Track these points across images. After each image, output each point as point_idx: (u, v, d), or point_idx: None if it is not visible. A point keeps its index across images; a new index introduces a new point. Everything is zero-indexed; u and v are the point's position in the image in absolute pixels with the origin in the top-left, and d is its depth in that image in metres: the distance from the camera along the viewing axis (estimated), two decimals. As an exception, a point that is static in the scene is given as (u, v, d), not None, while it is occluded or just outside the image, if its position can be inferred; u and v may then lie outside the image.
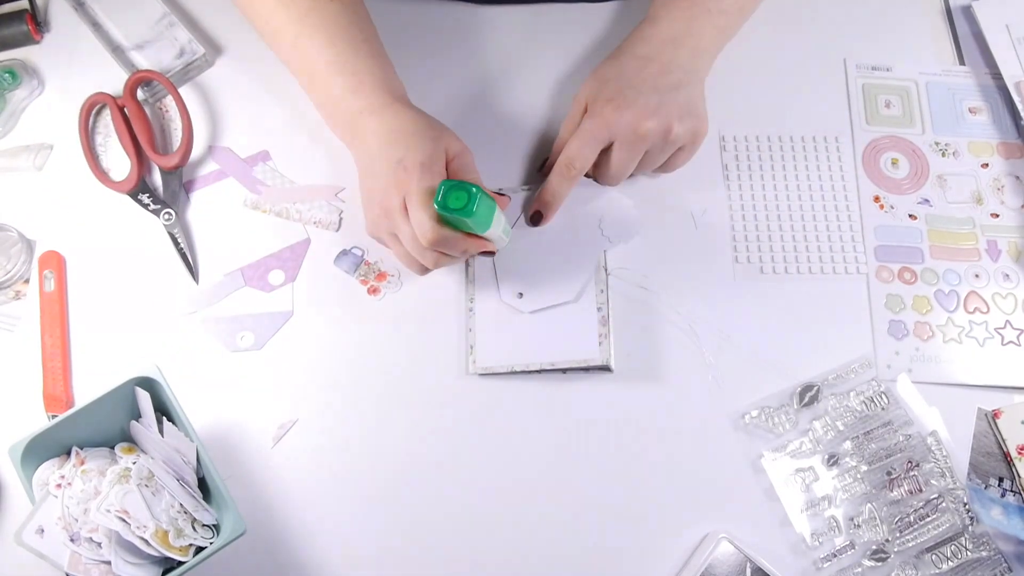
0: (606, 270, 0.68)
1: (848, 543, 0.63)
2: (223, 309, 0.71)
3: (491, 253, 0.68)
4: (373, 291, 0.71)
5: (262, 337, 0.70)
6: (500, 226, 0.64)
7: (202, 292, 0.72)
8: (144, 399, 0.62)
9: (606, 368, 0.67)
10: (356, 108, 0.66)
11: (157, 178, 0.75)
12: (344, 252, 0.73)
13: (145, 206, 0.73)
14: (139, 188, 0.74)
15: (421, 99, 0.69)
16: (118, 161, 0.75)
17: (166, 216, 0.73)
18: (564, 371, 0.68)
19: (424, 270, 0.67)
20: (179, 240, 0.73)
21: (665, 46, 0.68)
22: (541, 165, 0.73)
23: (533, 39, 0.79)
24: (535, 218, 0.70)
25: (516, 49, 0.79)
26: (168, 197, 0.74)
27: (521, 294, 0.68)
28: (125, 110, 0.75)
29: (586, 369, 0.67)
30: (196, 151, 0.76)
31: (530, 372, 0.67)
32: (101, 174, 0.74)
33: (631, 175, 0.70)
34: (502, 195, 0.69)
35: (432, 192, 0.60)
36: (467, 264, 0.71)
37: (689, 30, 0.69)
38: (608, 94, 0.66)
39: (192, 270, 0.72)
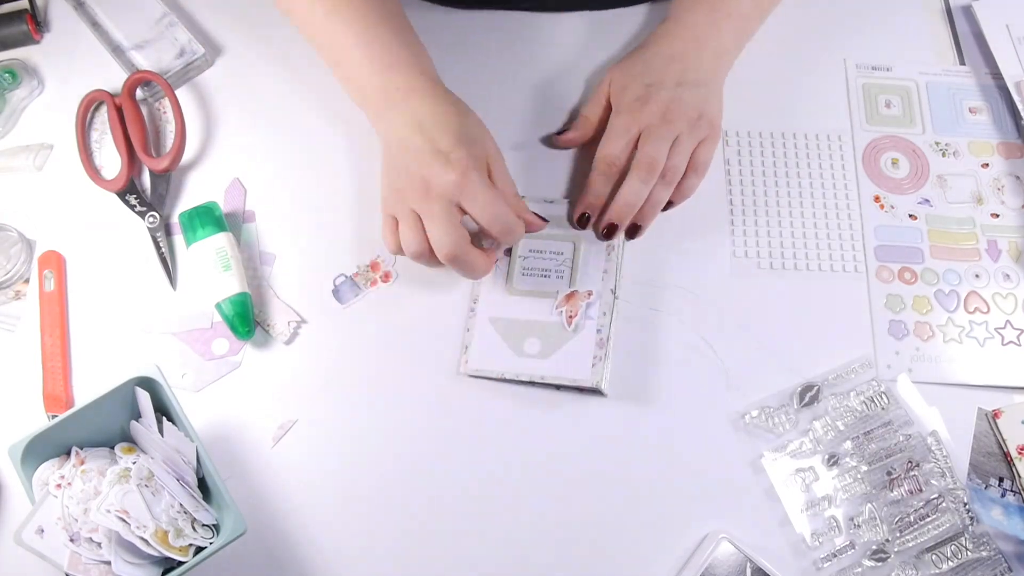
0: (614, 293, 0.67)
1: (848, 543, 0.63)
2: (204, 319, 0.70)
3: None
4: (373, 283, 0.71)
5: (238, 343, 0.69)
6: None
7: (174, 315, 0.70)
8: (144, 399, 0.62)
9: (597, 391, 0.66)
10: (393, 85, 0.66)
11: (147, 180, 0.75)
12: (344, 252, 0.73)
13: (132, 207, 0.73)
14: (127, 188, 0.73)
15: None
16: (111, 159, 0.75)
17: (150, 219, 0.72)
18: (557, 387, 0.67)
19: (431, 262, 0.65)
20: (160, 244, 0.72)
21: (688, 45, 0.71)
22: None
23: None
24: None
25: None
26: (155, 200, 0.73)
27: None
28: (122, 109, 0.75)
29: (579, 389, 0.67)
30: (188, 155, 0.75)
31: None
32: (93, 172, 0.74)
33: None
34: (543, 219, 0.68)
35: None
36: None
37: (711, 32, 0.71)
38: (636, 92, 0.69)
39: (170, 276, 0.71)
